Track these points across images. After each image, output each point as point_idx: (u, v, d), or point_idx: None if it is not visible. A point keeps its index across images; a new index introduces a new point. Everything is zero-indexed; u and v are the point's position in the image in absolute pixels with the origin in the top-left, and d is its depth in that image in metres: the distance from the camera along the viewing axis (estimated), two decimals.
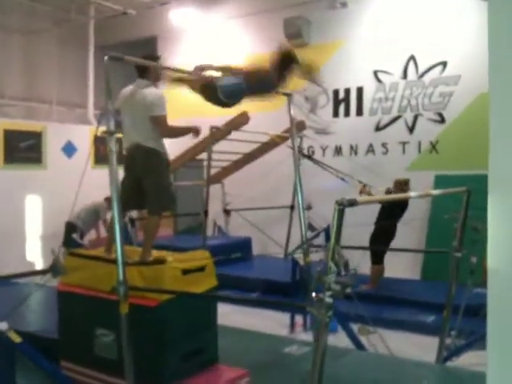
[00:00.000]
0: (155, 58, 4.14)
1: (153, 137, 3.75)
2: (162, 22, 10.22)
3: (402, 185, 6.36)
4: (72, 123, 9.90)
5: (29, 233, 8.79)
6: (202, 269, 3.83)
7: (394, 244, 6.43)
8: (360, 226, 6.43)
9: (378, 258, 6.56)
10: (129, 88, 3.86)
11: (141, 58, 3.77)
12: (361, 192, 6.45)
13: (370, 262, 6.57)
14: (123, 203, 3.48)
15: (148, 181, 3.76)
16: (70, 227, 7.89)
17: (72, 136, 9.19)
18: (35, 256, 8.73)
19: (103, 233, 7.98)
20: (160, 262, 3.64)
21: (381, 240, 6.41)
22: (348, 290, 2.24)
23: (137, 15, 10.48)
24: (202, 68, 4.21)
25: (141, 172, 3.78)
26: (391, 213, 6.38)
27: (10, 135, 8.38)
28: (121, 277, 3.21)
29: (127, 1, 10.01)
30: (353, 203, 2.42)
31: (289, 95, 4.89)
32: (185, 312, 3.62)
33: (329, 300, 2.32)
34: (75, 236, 7.89)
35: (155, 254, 3.85)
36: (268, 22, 9.23)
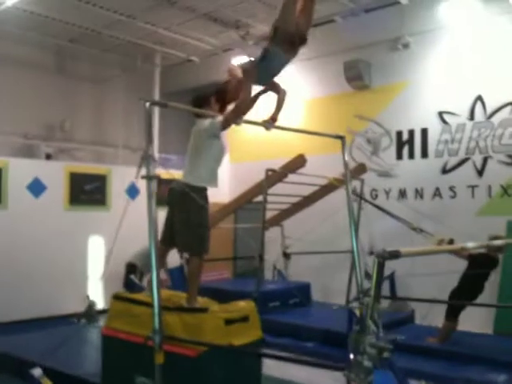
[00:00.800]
0: (202, 99, 4.09)
1: (192, 169, 3.68)
2: (224, 68, 10.38)
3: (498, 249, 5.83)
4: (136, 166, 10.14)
5: (91, 273, 8.95)
6: (245, 319, 3.66)
7: None
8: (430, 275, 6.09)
9: (453, 314, 6.07)
10: None
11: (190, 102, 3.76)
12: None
13: (442, 315, 6.13)
14: (168, 241, 3.42)
15: (179, 218, 3.67)
16: (130, 268, 7.96)
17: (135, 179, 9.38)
18: (96, 296, 8.85)
19: (162, 275, 7.99)
20: (203, 310, 3.51)
21: (464, 295, 5.93)
22: (386, 355, 1.98)
23: (200, 62, 10.79)
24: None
25: (175, 210, 3.73)
26: (480, 267, 5.83)
27: (76, 178, 8.69)
28: (156, 325, 3.10)
29: (191, 48, 10.31)
30: (395, 255, 2.19)
31: (342, 138, 4.71)
32: (226, 364, 3.45)
33: (368, 364, 2.08)
34: (133, 277, 7.92)
35: (200, 300, 3.72)
36: (329, 65, 9.19)
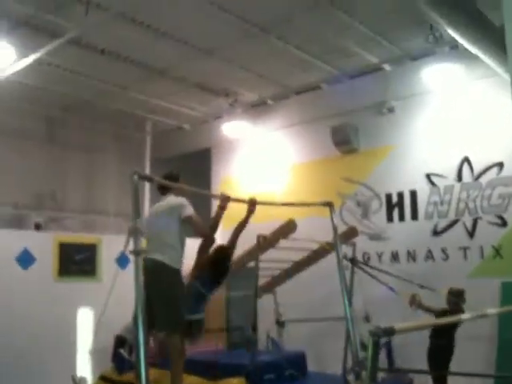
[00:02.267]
0: (177, 176, 4.23)
1: (169, 251, 3.73)
2: (215, 135, 10.57)
3: (458, 295, 5.87)
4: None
5: (79, 346, 8.67)
6: None
7: (460, 364, 5.80)
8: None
9: (440, 379, 5.91)
10: (156, 204, 3.92)
11: (163, 177, 3.81)
12: (411, 303, 6.02)
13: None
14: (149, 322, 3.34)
15: (157, 298, 3.65)
16: (119, 341, 7.71)
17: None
18: (85, 371, 8.54)
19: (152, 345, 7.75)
20: None
21: (439, 357, 5.81)
22: None
23: (191, 129, 10.96)
24: (226, 197, 4.30)
25: (151, 288, 3.69)
26: (447, 327, 5.75)
27: (66, 248, 8.56)
28: None
29: (182, 116, 10.51)
30: (390, 332, 2.12)
31: (330, 204, 4.72)
32: None
33: None
34: (122, 351, 7.67)
35: (188, 380, 3.58)
36: (316, 131, 9.36)
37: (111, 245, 9.16)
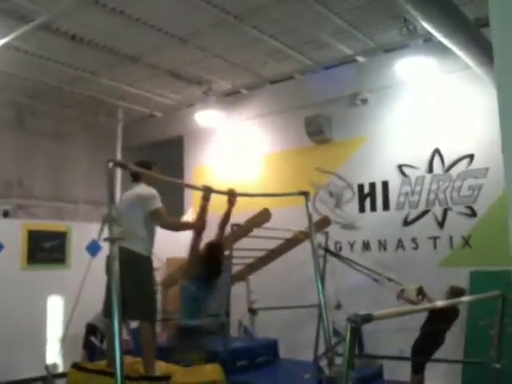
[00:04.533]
0: (150, 164, 4.21)
1: (139, 240, 3.71)
2: (188, 123, 10.48)
3: (458, 294, 5.87)
4: (98, 222, 9.94)
5: (50, 335, 8.55)
6: None
7: None
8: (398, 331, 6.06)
9: (419, 367, 6.02)
10: (127, 192, 3.89)
11: (135, 164, 3.78)
12: (398, 297, 6.03)
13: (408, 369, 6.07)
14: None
15: (128, 287, 3.64)
16: (91, 329, 7.63)
17: (96, 235, 9.16)
18: (55, 359, 8.43)
19: (125, 335, 7.69)
20: (165, 378, 3.36)
21: (425, 348, 5.90)
22: None
23: (163, 117, 10.84)
24: (208, 188, 4.27)
25: (122, 277, 3.66)
26: (440, 320, 5.78)
27: (35, 235, 8.41)
28: None
29: (154, 104, 10.38)
30: (368, 319, 2.15)
31: (306, 194, 4.75)
32: None
33: None
34: (93, 339, 7.60)
35: (162, 366, 3.58)
36: (289, 120, 9.38)
37: (81, 232, 9.04)
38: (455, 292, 5.84)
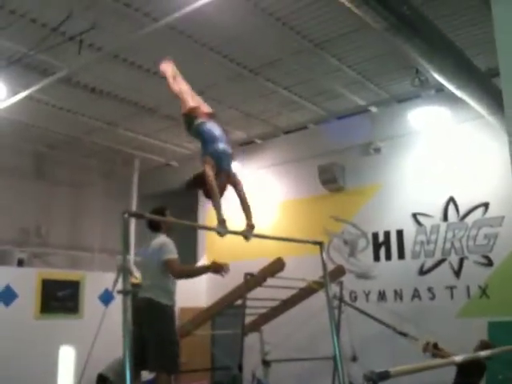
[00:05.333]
0: (163, 210, 4.27)
1: (160, 289, 3.72)
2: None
3: (488, 348, 5.68)
4: (113, 271, 9.95)
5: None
6: None
7: None
8: None
9: None
10: (151, 242, 3.93)
11: (150, 213, 3.83)
12: (425, 350, 5.83)
13: None
14: (139, 362, 3.29)
15: (149, 336, 3.62)
16: (101, 380, 7.54)
17: (111, 284, 9.15)
18: None
19: None
20: None
21: None
22: None
23: (179, 165, 11.01)
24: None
25: (143, 326, 3.65)
26: (469, 375, 5.63)
27: (49, 284, 8.44)
28: None
29: (170, 153, 10.56)
30: (384, 376, 2.11)
31: (321, 244, 4.74)
32: None
33: None
34: None
35: None
36: (303, 169, 9.46)
37: (95, 281, 9.05)
38: (485, 346, 5.63)
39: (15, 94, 7.23)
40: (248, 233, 4.18)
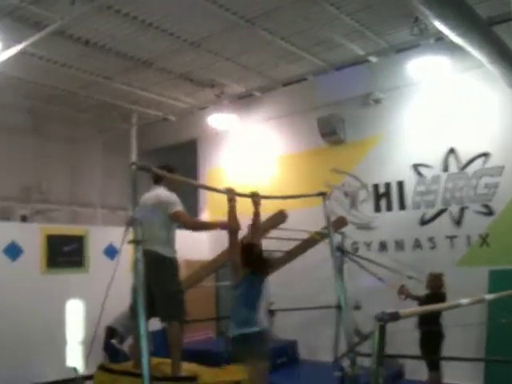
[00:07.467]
0: (172, 169, 4.29)
1: (162, 242, 3.77)
2: (201, 126, 10.54)
3: (437, 280, 6.02)
4: (115, 226, 10.01)
5: (69, 338, 8.62)
6: None
7: (451, 349, 5.90)
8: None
9: (433, 364, 6.03)
10: (146, 195, 3.94)
11: (157, 168, 3.84)
12: (400, 293, 6.14)
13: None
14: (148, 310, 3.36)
15: (156, 288, 3.70)
16: (110, 332, 7.69)
17: (114, 238, 9.22)
18: (76, 362, 8.49)
19: None
20: (191, 378, 3.39)
21: (432, 343, 5.92)
22: None
23: (177, 120, 10.90)
24: (231, 190, 4.45)
25: (149, 279, 3.70)
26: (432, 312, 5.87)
27: (53, 240, 8.49)
28: None
29: (168, 107, 10.45)
30: (395, 317, 2.16)
31: (324, 194, 4.76)
32: None
33: None
34: (114, 341, 7.65)
35: (188, 367, 3.61)
36: (303, 122, 9.40)
37: (98, 236, 9.13)
38: (435, 276, 6.16)
39: (8, 48, 7.05)
40: (257, 198, 4.62)
